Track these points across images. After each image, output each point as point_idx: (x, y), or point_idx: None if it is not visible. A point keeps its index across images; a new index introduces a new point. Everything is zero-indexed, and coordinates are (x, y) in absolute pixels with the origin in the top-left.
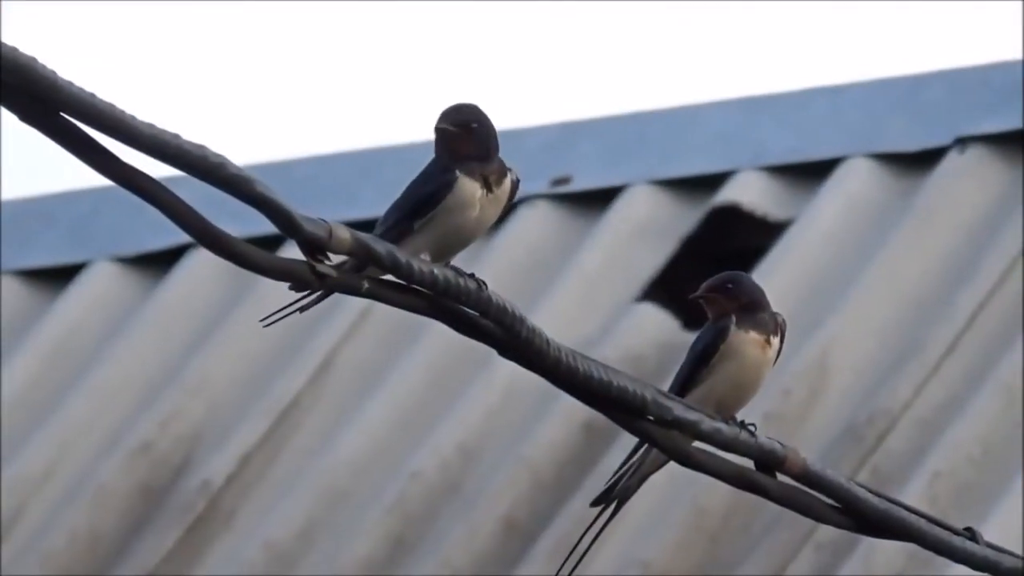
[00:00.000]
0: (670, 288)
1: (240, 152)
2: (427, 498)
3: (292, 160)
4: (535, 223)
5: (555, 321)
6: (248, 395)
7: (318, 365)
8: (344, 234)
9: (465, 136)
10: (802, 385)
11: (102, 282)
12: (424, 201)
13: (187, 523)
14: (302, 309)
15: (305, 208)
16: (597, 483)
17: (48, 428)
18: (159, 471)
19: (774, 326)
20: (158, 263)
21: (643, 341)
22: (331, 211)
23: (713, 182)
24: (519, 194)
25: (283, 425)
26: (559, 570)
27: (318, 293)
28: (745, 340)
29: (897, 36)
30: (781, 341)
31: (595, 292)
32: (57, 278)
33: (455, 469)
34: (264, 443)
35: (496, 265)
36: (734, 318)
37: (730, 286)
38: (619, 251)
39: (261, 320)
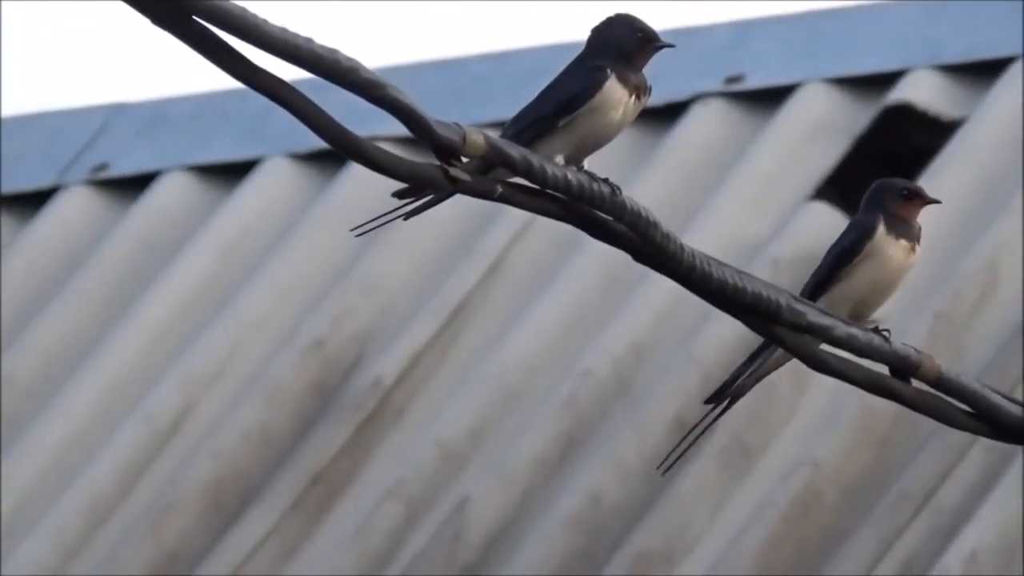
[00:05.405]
0: (842, 187)
1: (369, 55)
2: (598, 397)
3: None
4: (709, 121)
5: (728, 219)
6: (420, 293)
7: (489, 265)
8: (478, 138)
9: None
10: (973, 287)
11: (276, 178)
12: (574, 97)
13: (358, 421)
14: (407, 216)
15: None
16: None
17: (221, 325)
18: (331, 369)
19: (919, 234)
20: (332, 160)
21: (816, 240)
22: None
23: (887, 81)
24: (694, 91)
25: (454, 324)
26: (663, 462)
27: (425, 199)
28: (892, 243)
29: None
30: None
31: (768, 190)
32: (232, 174)
33: (626, 368)
34: (435, 342)
35: (669, 163)
36: (882, 219)
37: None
38: (792, 149)
39: (353, 229)
